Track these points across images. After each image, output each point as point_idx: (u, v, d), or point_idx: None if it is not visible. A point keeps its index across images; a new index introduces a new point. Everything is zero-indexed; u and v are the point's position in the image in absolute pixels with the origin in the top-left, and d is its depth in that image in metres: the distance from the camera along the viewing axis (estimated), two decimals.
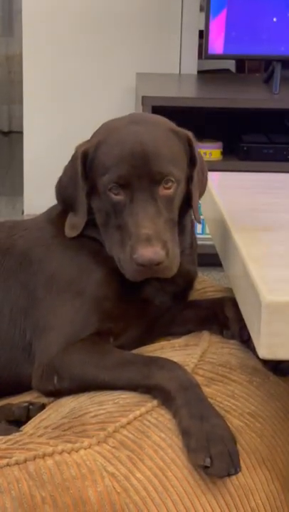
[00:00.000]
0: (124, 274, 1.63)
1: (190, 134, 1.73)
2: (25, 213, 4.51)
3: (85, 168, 1.70)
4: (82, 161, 1.70)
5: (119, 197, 1.63)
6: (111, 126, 1.72)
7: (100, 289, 1.69)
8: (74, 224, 1.74)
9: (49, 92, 4.41)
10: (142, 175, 1.62)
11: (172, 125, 1.74)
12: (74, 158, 1.73)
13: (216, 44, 3.90)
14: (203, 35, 3.98)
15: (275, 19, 3.88)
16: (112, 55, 4.37)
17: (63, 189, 1.77)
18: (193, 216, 1.76)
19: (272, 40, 3.91)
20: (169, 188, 1.64)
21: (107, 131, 1.70)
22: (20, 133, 4.63)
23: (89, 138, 1.75)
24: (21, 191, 4.61)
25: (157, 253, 1.57)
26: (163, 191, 1.64)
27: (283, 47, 3.91)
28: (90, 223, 1.72)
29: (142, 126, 1.69)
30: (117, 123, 1.72)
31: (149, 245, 1.57)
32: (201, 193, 1.78)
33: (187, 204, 1.73)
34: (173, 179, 1.64)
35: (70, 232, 1.74)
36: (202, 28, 4.06)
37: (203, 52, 3.98)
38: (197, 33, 4.36)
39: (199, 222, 1.75)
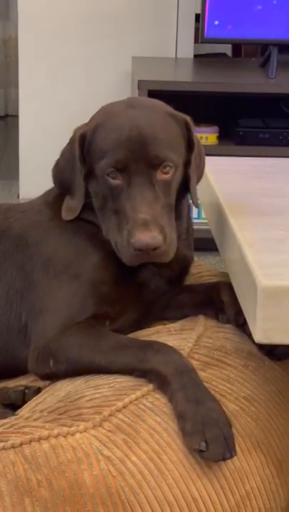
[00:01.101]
0: (121, 259, 1.63)
1: (188, 117, 1.73)
2: (20, 197, 4.50)
3: (83, 151, 1.69)
4: (80, 143, 1.69)
5: (116, 181, 1.63)
6: (109, 109, 1.72)
7: (96, 272, 1.70)
8: (71, 207, 1.73)
9: (45, 76, 4.40)
10: (139, 159, 1.62)
11: (170, 109, 1.73)
12: (72, 140, 1.73)
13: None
14: (199, 18, 3.97)
15: (259, 7, 3.87)
16: (108, 39, 4.35)
17: (61, 172, 1.76)
18: (190, 200, 1.76)
19: (269, 24, 3.89)
20: (166, 173, 1.64)
21: (105, 115, 1.70)
22: (17, 117, 4.62)
23: (86, 121, 1.75)
24: (17, 175, 4.60)
25: (154, 238, 1.57)
26: (160, 176, 1.63)
27: (280, 31, 3.90)
28: (87, 206, 1.72)
29: (140, 111, 1.68)
30: (115, 107, 1.72)
31: (146, 230, 1.57)
32: (199, 178, 1.78)
33: (184, 188, 1.72)
34: (171, 164, 1.64)
35: (66, 215, 1.74)
36: (198, 11, 4.04)
37: (199, 36, 3.96)
38: (193, 17, 4.35)
39: (197, 207, 1.75)
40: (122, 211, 1.62)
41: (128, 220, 1.60)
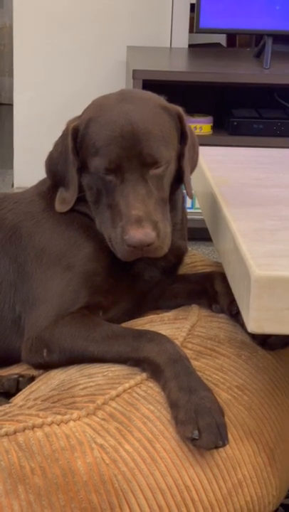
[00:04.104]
0: (116, 254, 1.64)
1: (180, 109, 1.72)
2: (15, 186, 4.50)
3: (76, 145, 1.69)
4: (73, 137, 1.69)
5: (109, 177, 1.63)
6: (102, 103, 1.71)
7: (89, 263, 1.70)
8: (64, 199, 1.73)
9: (40, 65, 4.39)
10: (132, 157, 1.61)
11: (163, 101, 1.73)
12: (64, 133, 1.73)
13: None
14: (194, 8, 3.96)
15: None
16: (103, 28, 4.34)
17: (54, 165, 1.76)
18: (184, 191, 1.76)
19: (263, 15, 3.89)
20: (159, 167, 1.64)
21: (97, 108, 1.69)
22: (9, 105, 4.61)
23: (80, 112, 1.74)
24: (11, 164, 4.60)
25: (148, 234, 1.58)
26: (154, 171, 1.63)
27: (274, 21, 3.89)
28: (81, 198, 1.72)
29: (133, 104, 1.67)
30: (108, 100, 1.71)
31: (139, 227, 1.57)
32: (193, 169, 1.78)
33: (178, 180, 1.72)
34: (164, 160, 1.64)
35: (60, 207, 1.74)
36: (193, 1, 4.04)
37: (194, 26, 3.96)
38: (188, 7, 4.34)
39: (191, 198, 1.75)
40: (115, 207, 1.62)
41: (122, 216, 1.60)
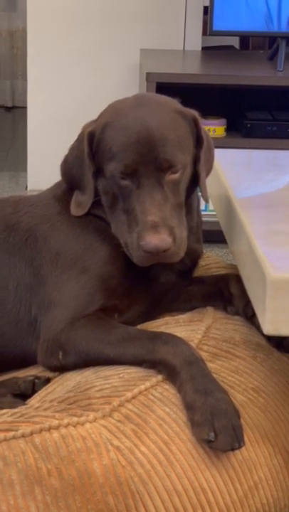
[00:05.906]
0: (131, 259, 1.64)
1: (196, 113, 1.72)
2: (28, 188, 4.51)
3: (92, 149, 1.70)
4: (89, 141, 1.69)
5: (125, 182, 1.63)
6: (117, 107, 1.71)
7: (105, 266, 1.70)
8: (80, 203, 1.74)
9: (53, 68, 4.40)
10: (148, 162, 1.61)
11: (178, 106, 1.73)
12: (80, 138, 1.73)
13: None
14: (207, 11, 3.96)
15: None
16: (117, 31, 4.35)
17: (69, 169, 1.76)
18: (200, 194, 1.76)
19: (277, 17, 3.89)
20: (175, 173, 1.64)
21: (113, 113, 1.69)
22: (23, 108, 4.62)
23: (93, 114, 1.74)
24: (25, 167, 4.61)
25: (164, 240, 1.58)
26: (169, 176, 1.63)
27: (287, 24, 3.89)
28: (96, 202, 1.72)
29: (148, 109, 1.68)
30: (124, 105, 1.71)
31: (155, 233, 1.58)
32: (208, 172, 1.77)
33: (194, 183, 1.72)
34: (180, 165, 1.64)
35: (76, 210, 1.74)
36: (207, 3, 4.04)
37: (208, 28, 3.96)
38: (202, 9, 4.35)
39: (207, 202, 1.75)
40: (131, 212, 1.62)
41: (138, 221, 1.60)
